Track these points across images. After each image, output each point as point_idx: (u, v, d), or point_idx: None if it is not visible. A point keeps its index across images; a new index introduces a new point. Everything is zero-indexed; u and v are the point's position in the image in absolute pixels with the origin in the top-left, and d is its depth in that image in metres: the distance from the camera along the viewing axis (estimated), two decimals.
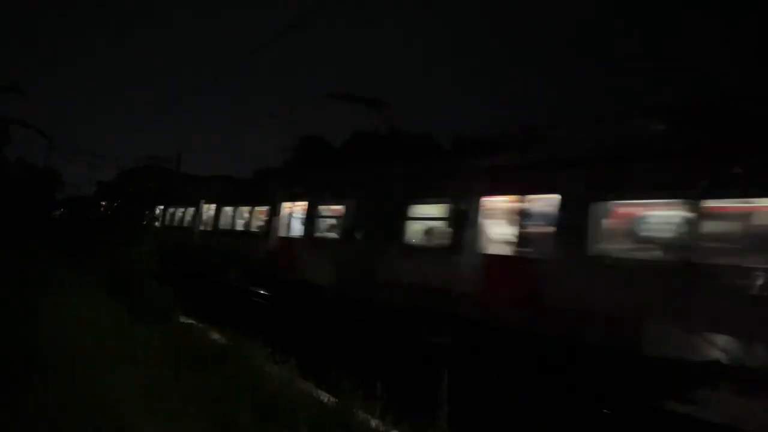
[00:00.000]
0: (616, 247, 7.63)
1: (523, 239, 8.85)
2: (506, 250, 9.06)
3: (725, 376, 6.34)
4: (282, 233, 15.35)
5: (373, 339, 10.44)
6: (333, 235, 13.40)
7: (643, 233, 7.57)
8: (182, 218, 23.20)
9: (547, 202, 8.44)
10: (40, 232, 18.41)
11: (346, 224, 12.81)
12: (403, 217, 11.06)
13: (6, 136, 18.37)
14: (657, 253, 7.24)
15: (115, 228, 14.55)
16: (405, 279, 10.59)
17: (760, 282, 6.14)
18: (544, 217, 8.52)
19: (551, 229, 8.30)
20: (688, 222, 6.82)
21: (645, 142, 7.86)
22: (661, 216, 7.40)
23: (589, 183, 7.95)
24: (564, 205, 8.12)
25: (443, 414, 4.85)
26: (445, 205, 10.25)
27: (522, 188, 8.96)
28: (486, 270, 9.16)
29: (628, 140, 8.09)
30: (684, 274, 6.68)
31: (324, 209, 13.93)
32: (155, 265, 11.05)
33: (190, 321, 9.55)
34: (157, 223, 24.10)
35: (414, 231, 11.14)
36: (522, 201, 8.95)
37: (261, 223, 16.51)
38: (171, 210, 24.64)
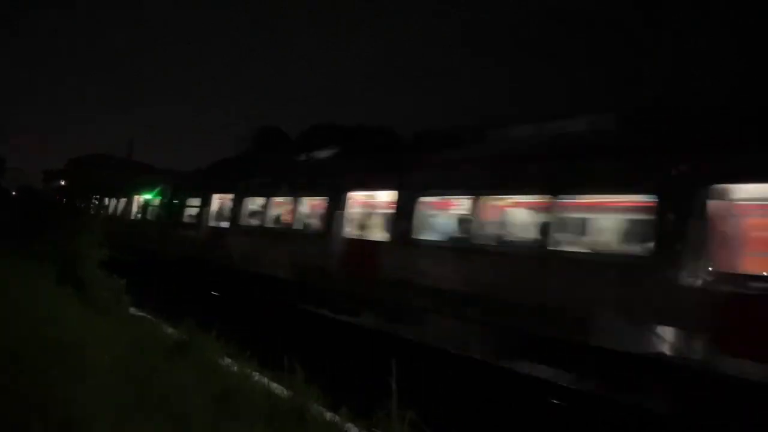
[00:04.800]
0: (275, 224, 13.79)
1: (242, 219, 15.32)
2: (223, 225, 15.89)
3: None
4: (132, 216, 22.91)
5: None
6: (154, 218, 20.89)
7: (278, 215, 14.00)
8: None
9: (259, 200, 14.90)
10: None
11: (158, 211, 20.48)
12: (185, 205, 18.11)
13: None
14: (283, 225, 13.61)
15: (63, 217, 14.13)
16: (183, 242, 17.57)
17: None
18: (254, 207, 14.77)
19: (256, 214, 14.50)
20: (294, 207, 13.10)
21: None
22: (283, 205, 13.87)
23: (265, 191, 14.22)
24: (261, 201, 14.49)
25: (395, 406, 4.85)
26: (200, 198, 17.12)
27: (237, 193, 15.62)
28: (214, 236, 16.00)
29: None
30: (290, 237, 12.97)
31: (153, 202, 21.15)
32: (105, 254, 10.78)
33: (141, 313, 9.37)
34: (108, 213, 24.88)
35: (188, 214, 17.87)
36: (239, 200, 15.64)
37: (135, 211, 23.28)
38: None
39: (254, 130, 52.56)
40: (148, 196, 21.82)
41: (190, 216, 17.80)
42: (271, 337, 8.55)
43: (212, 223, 16.29)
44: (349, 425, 5.05)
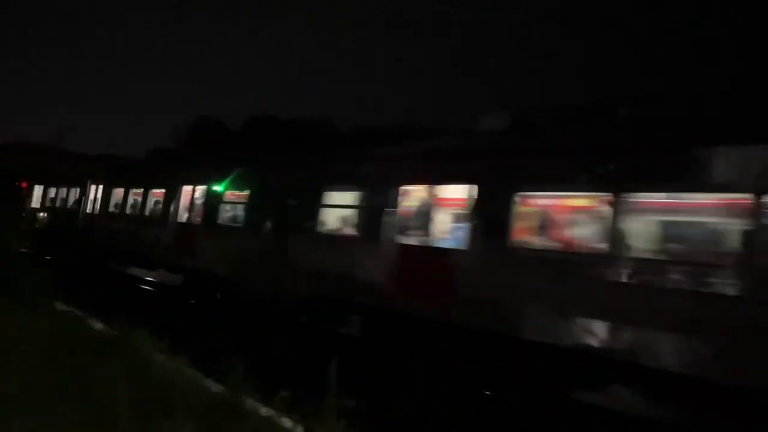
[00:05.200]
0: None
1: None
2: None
3: None
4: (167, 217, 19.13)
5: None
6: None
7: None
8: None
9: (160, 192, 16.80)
10: None
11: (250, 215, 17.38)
12: (321, 206, 12.93)
13: None
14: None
15: None
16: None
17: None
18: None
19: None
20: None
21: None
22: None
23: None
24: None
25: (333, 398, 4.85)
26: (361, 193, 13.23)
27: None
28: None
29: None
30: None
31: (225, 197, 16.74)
32: (29, 246, 10.36)
33: (69, 308, 9.04)
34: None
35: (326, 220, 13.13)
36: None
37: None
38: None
39: (191, 121, 51.33)
40: (215, 187, 14.24)
41: (335, 227, 11.27)
42: None
43: (407, 239, 9.48)
44: (285, 419, 5.04)
